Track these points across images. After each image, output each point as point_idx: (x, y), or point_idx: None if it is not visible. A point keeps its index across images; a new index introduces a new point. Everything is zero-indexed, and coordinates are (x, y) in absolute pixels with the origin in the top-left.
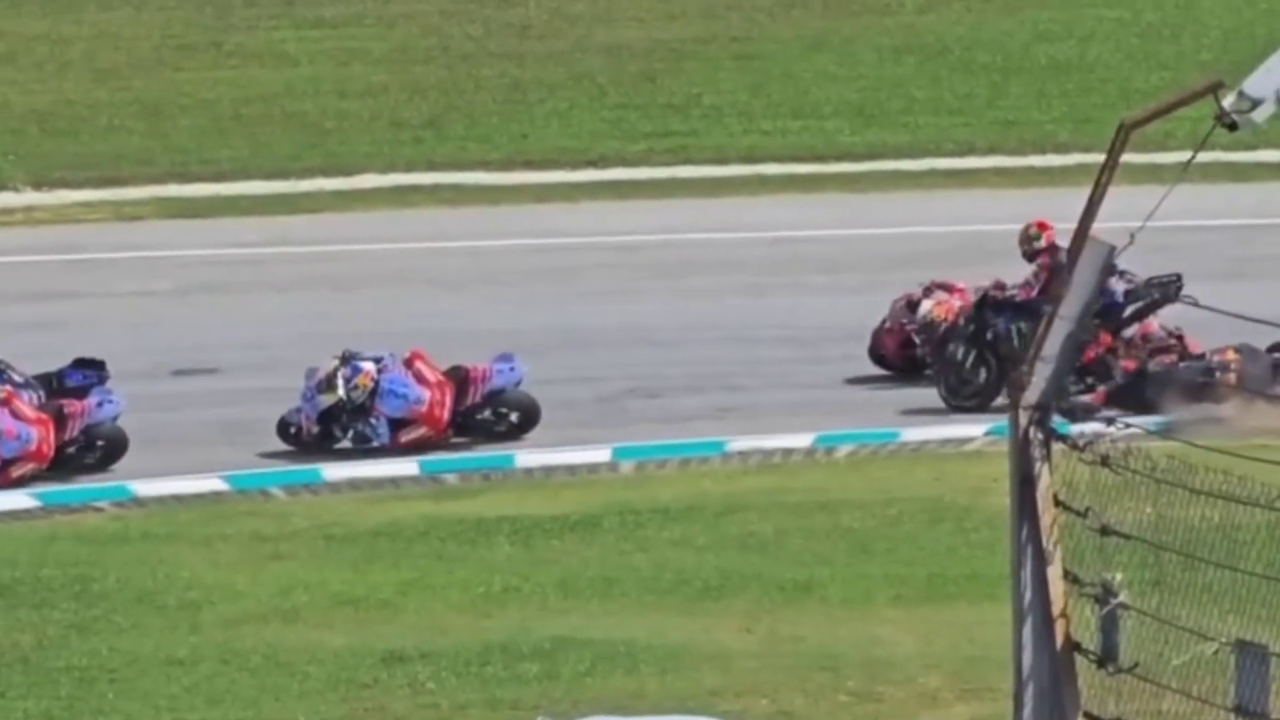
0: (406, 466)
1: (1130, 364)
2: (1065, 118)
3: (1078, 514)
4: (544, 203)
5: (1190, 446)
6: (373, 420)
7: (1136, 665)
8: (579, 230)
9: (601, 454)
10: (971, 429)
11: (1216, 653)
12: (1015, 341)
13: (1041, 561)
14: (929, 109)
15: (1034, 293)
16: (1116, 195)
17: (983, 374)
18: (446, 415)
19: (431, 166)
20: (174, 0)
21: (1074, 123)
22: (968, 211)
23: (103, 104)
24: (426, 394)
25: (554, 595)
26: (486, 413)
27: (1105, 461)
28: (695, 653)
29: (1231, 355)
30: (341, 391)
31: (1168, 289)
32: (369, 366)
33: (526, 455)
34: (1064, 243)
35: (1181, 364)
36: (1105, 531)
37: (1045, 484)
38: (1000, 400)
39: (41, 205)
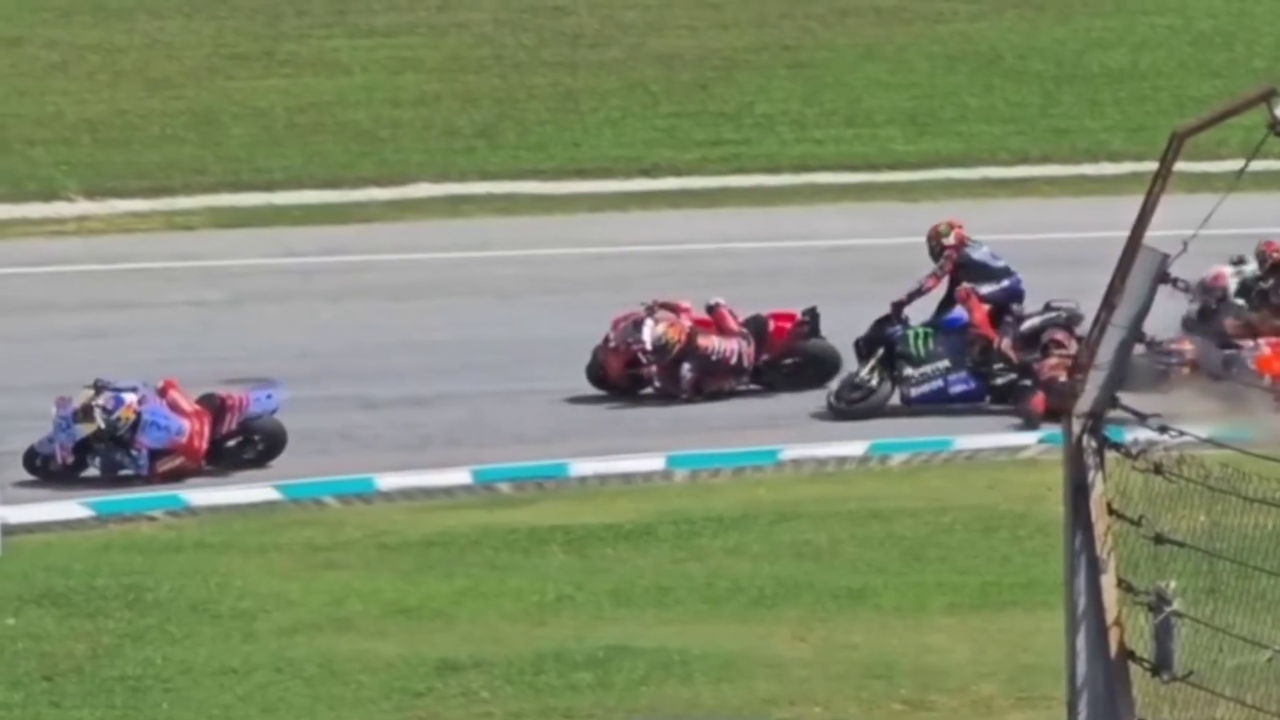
0: (460, 475)
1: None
2: (1118, 126)
3: (1132, 522)
4: (597, 212)
5: (1244, 454)
6: (134, 452)
7: (1191, 673)
8: (631, 239)
9: (656, 462)
10: (1025, 437)
11: (1271, 660)
12: (914, 348)
13: (1095, 569)
14: (982, 117)
15: (937, 283)
16: (1169, 204)
17: (877, 382)
18: (204, 445)
19: (484, 176)
20: (226, 9)
21: (1127, 131)
22: (1021, 220)
23: (155, 113)
24: (186, 425)
25: (608, 604)
26: (237, 440)
27: (1159, 469)
28: (749, 661)
29: (1188, 345)
30: (100, 422)
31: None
32: (131, 398)
33: (581, 464)
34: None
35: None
36: (1159, 539)
37: (1099, 492)
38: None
39: (94, 215)
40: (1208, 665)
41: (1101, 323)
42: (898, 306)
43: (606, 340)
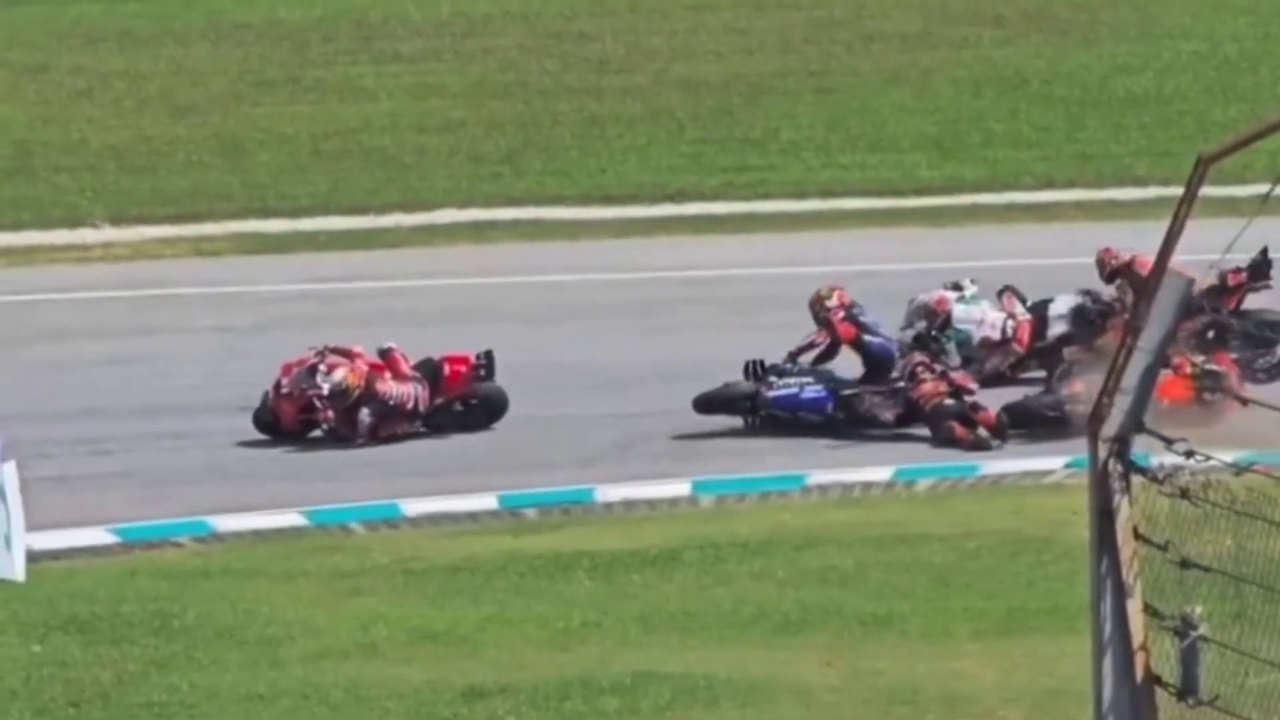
0: (486, 501)
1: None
2: (1144, 151)
3: (1158, 547)
4: (622, 237)
5: (1270, 479)
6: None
7: (1217, 698)
8: (657, 265)
9: (681, 488)
10: (1051, 462)
11: None
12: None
13: (1121, 594)
14: (1007, 142)
15: (826, 339)
16: (1195, 228)
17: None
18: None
19: (510, 202)
20: (252, 36)
21: (1152, 156)
22: (1047, 245)
23: (181, 140)
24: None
25: (633, 630)
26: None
27: (1185, 494)
28: (775, 687)
29: (1079, 386)
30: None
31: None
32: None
33: (606, 489)
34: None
35: (1031, 395)
36: (1185, 564)
37: (1125, 516)
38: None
39: (120, 241)
40: (1234, 690)
41: (1128, 347)
42: (792, 356)
43: (278, 386)
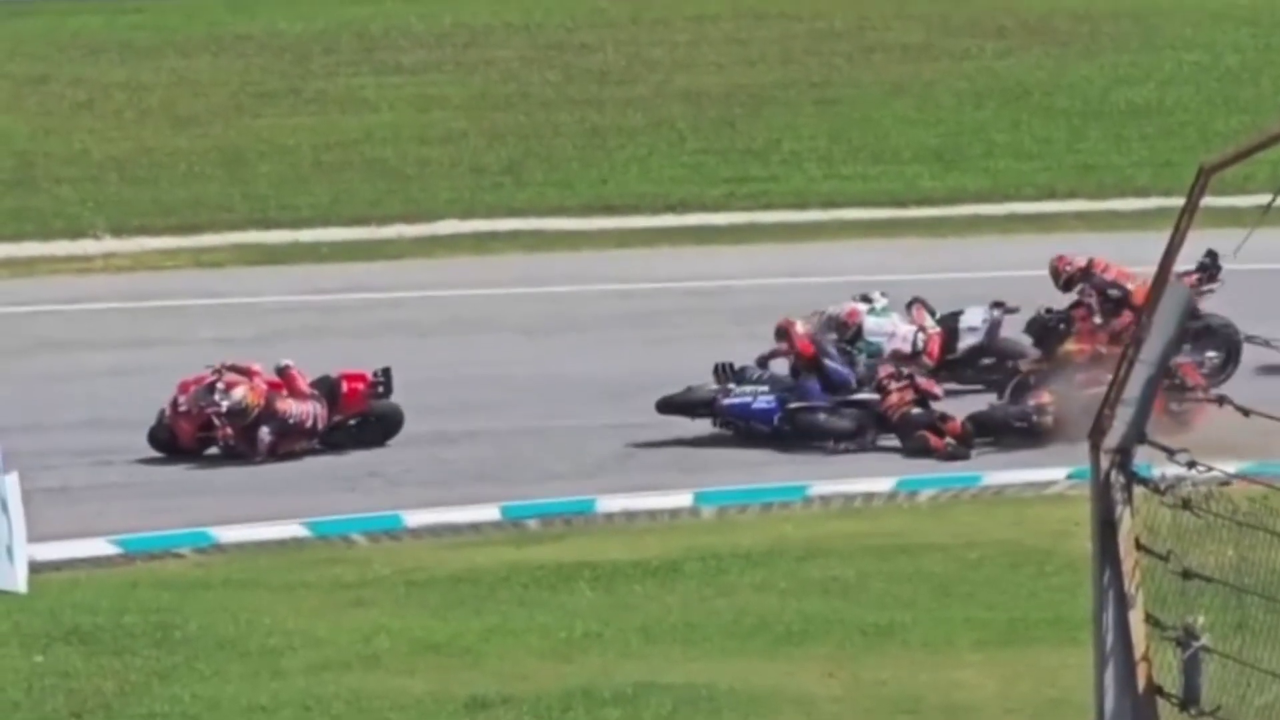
0: (488, 512)
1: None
2: (1145, 162)
3: (1159, 557)
4: (624, 248)
5: (1272, 489)
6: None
7: (1219, 708)
8: (659, 276)
9: (683, 499)
10: (1053, 472)
11: None
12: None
13: (1123, 605)
14: (1009, 153)
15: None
16: (1196, 239)
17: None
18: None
19: (511, 213)
20: (253, 47)
21: (1154, 167)
22: (1048, 256)
23: (182, 151)
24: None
25: (636, 640)
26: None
27: (1187, 505)
28: (778, 697)
29: (1047, 398)
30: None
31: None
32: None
33: (608, 500)
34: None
35: (996, 404)
36: (1187, 575)
37: (1127, 527)
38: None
39: (121, 252)
40: (1236, 700)
41: (1129, 358)
42: (760, 362)
43: (175, 404)
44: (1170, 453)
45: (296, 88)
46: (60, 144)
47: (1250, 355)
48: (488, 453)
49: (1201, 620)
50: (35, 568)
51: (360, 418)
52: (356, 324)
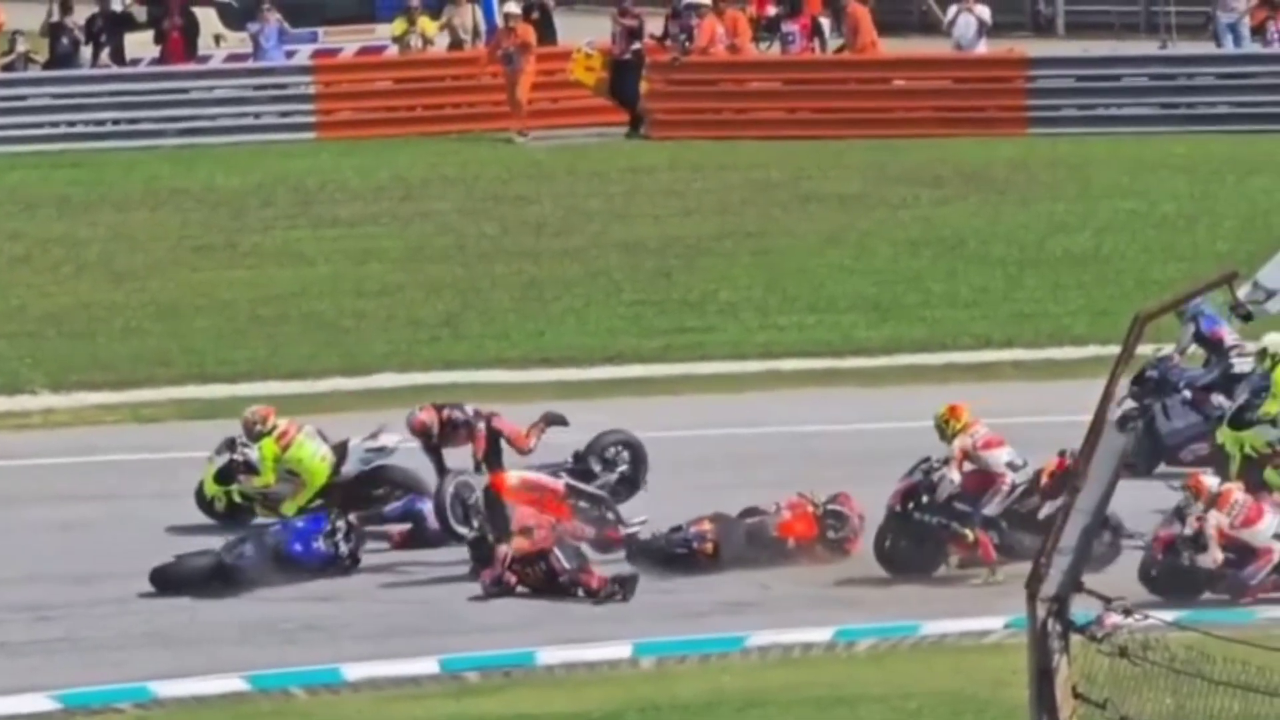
0: (427, 665)
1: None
2: (1082, 310)
3: (1097, 705)
4: (562, 400)
5: (1209, 637)
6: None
7: None
8: (598, 427)
9: (623, 650)
10: (991, 622)
11: None
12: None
13: None
14: (945, 302)
15: None
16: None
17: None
18: None
19: (448, 365)
20: (190, 201)
21: (1091, 315)
22: (986, 405)
23: (119, 305)
24: None
25: None
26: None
27: (1124, 653)
28: None
29: (707, 525)
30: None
31: None
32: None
33: (548, 651)
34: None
35: (661, 535)
36: None
37: (1064, 675)
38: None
39: (59, 408)
40: None
41: (1066, 507)
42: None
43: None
44: (1107, 601)
45: (233, 241)
46: None
47: None
48: (426, 604)
49: None
50: None
51: None
52: None
